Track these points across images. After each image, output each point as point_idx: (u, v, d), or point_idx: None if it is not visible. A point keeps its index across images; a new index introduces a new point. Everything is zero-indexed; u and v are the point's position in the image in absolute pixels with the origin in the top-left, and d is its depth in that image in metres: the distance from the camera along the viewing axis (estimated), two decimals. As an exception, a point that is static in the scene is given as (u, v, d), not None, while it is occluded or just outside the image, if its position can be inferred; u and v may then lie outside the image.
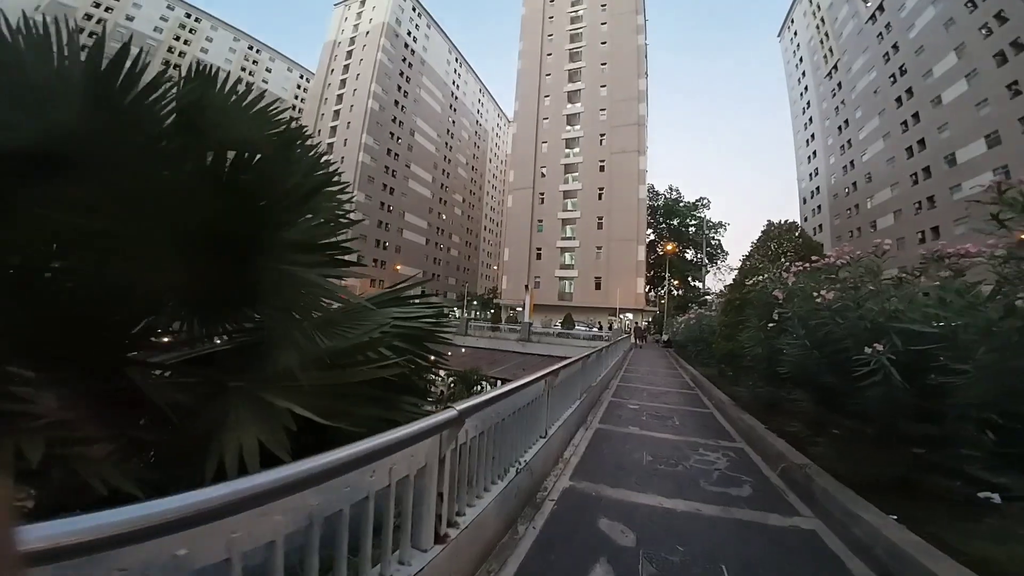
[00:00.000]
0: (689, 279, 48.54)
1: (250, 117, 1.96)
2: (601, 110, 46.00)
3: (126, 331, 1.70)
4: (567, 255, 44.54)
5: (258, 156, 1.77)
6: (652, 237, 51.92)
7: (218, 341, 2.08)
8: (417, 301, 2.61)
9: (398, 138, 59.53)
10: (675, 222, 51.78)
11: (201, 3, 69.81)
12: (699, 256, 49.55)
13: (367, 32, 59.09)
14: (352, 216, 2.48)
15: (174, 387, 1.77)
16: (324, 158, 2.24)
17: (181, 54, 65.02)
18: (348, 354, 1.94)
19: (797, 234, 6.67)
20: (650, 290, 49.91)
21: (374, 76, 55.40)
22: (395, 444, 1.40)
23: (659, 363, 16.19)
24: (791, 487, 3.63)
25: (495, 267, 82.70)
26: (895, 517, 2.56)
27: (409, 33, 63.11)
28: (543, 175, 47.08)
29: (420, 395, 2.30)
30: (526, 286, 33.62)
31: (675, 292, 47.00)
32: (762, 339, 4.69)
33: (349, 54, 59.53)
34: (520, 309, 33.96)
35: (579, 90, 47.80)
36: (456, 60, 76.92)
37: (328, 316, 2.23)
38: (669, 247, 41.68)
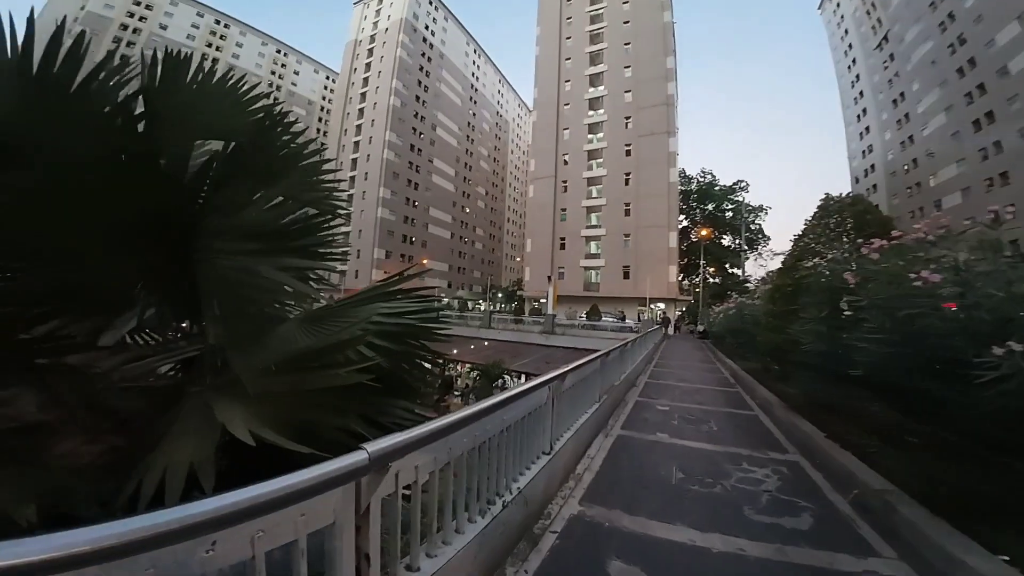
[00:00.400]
0: (727, 266, 46.06)
1: (218, 99, 1.87)
2: (626, 92, 44.03)
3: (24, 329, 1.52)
4: (593, 244, 43.25)
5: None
6: (685, 223, 49.66)
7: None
8: (405, 297, 2.30)
9: (420, 133, 59.75)
10: (710, 207, 49.17)
11: (225, 8, 72.35)
12: (737, 242, 46.93)
13: (386, 29, 59.34)
14: (344, 206, 2.37)
15: (136, 393, 1.60)
16: (311, 142, 2.15)
17: (215, 60, 67.29)
18: (316, 357, 1.68)
19: (862, 208, 5.58)
20: (683, 279, 47.84)
21: (394, 72, 55.66)
22: (262, 505, 0.91)
23: (694, 356, 15.15)
24: (863, 516, 2.90)
25: (519, 259, 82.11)
26: (1006, 558, 1.98)
27: (427, 27, 62.88)
28: (565, 162, 45.77)
29: (413, 397, 2.06)
30: (548, 277, 32.83)
31: (711, 280, 44.77)
32: (823, 332, 3.87)
33: (370, 52, 60.09)
34: (544, 301, 33.23)
35: (601, 73, 45.94)
36: (475, 52, 76.13)
37: (311, 314, 2.07)
38: (704, 232, 39.37)
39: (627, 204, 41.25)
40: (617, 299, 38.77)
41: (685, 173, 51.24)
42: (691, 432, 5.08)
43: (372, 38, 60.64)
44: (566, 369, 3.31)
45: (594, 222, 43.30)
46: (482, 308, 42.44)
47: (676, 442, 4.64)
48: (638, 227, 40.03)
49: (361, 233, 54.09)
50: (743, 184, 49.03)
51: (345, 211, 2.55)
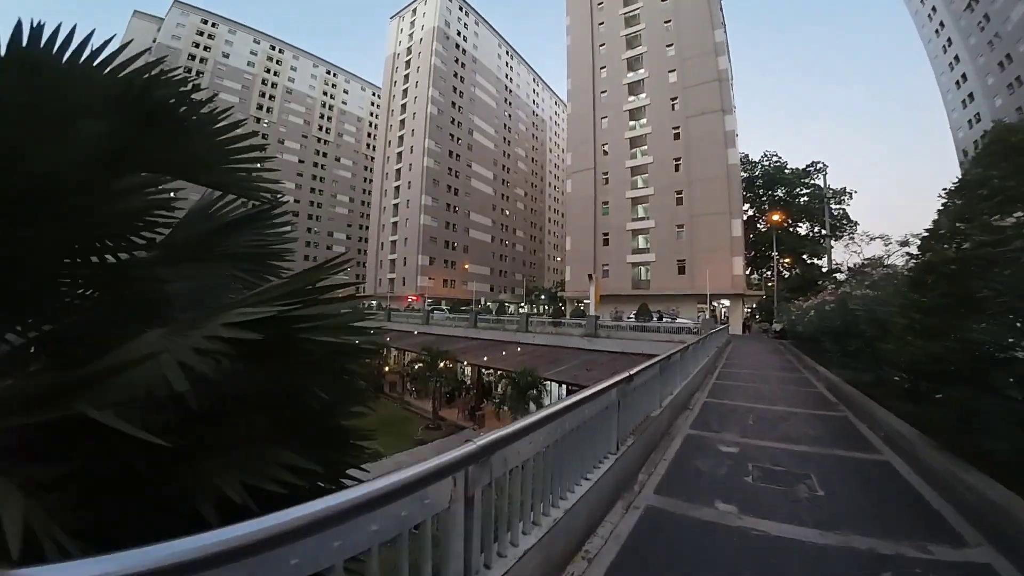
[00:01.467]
0: (804, 257, 40.66)
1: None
2: (669, 72, 40.45)
3: None
4: (640, 238, 39.97)
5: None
6: (750, 212, 44.86)
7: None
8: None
9: (458, 139, 59.96)
10: (780, 193, 44.00)
11: (276, 33, 78.13)
12: (817, 229, 41.44)
13: (420, 39, 60.43)
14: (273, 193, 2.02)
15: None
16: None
17: (274, 85, 73.77)
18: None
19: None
20: (751, 273, 42.99)
21: (430, 81, 56.35)
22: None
23: (770, 361, 12.37)
24: None
25: (560, 259, 79.76)
26: None
27: (459, 33, 63.19)
28: (605, 153, 42.95)
29: (324, 440, 1.51)
30: (589, 275, 30.18)
31: (785, 273, 39.69)
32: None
33: (407, 64, 61.53)
34: (587, 302, 30.81)
35: (640, 55, 42.69)
36: (507, 53, 75.46)
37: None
38: (775, 217, 34.39)
39: (678, 192, 37.60)
40: (671, 297, 35.28)
41: (748, 158, 46.44)
42: (779, 502, 3.09)
43: (408, 50, 62.10)
44: (553, 410, 1.88)
45: (641, 214, 40.05)
46: (522, 311, 40.72)
47: (751, 526, 2.70)
48: (693, 216, 36.25)
49: (407, 241, 55.17)
50: (820, 166, 43.23)
51: (273, 197, 2.02)
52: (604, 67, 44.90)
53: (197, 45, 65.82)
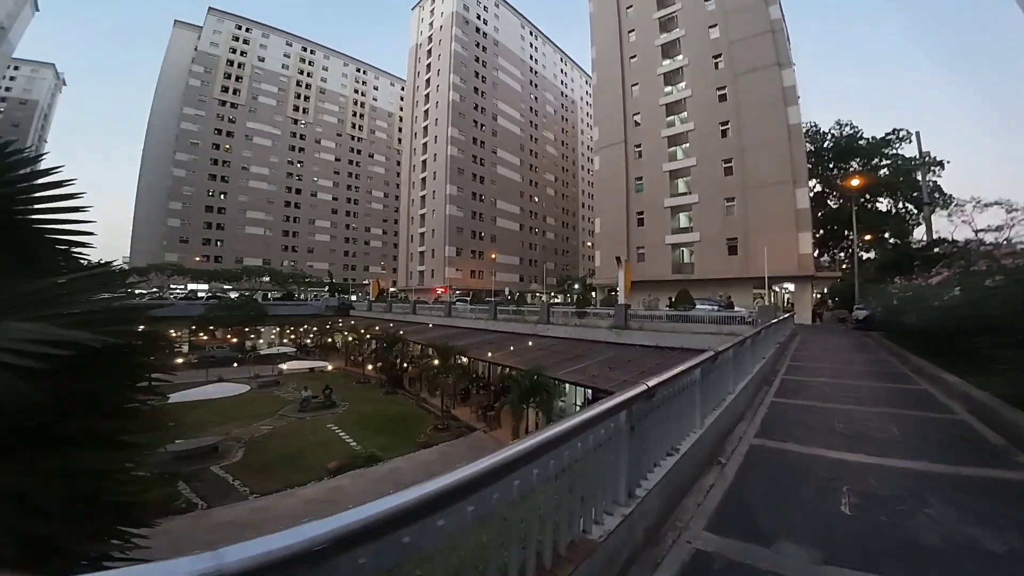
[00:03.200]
0: (885, 235, 34.82)
1: None
2: (710, 27, 35.48)
3: None
4: (682, 216, 35.71)
5: None
6: (818, 188, 39.20)
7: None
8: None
9: (482, 125, 57.79)
10: (854, 165, 38.11)
11: (304, 34, 79.63)
12: (902, 205, 35.38)
13: (440, 27, 58.62)
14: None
15: None
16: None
17: (308, 86, 75.58)
18: None
19: None
20: (820, 255, 37.55)
21: (451, 67, 54.53)
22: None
23: (858, 366, 8.98)
24: None
25: (592, 245, 75.76)
26: None
27: (479, 16, 60.58)
28: (636, 123, 38.76)
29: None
30: (618, 258, 26.75)
31: (864, 255, 34.26)
32: None
33: (429, 53, 60.09)
34: (618, 290, 27.38)
35: (674, 14, 37.86)
36: (531, 34, 71.73)
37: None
38: (855, 181, 28.53)
39: (727, 161, 32.90)
40: (720, 281, 31.00)
41: (816, 129, 40.54)
42: None
43: (429, 39, 60.56)
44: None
45: (682, 188, 35.70)
46: (554, 301, 37.90)
47: None
48: (746, 188, 31.56)
49: (434, 232, 54.18)
50: (903, 134, 36.61)
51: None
52: (632, 30, 40.54)
53: (234, 51, 68.40)
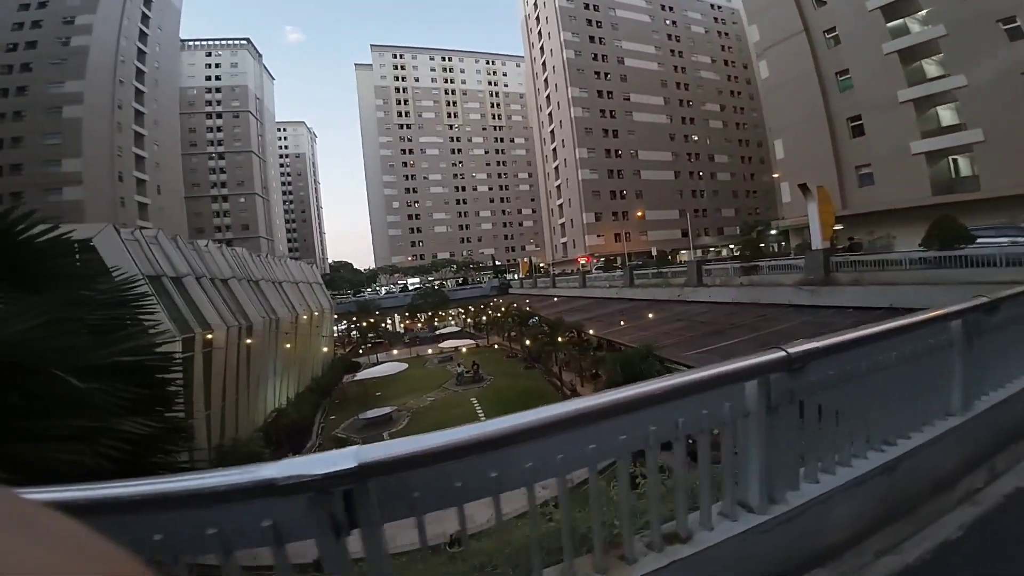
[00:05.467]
0: None
1: None
2: None
3: None
4: (940, 111, 23.75)
5: None
6: None
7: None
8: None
9: (606, 75, 52.23)
10: None
11: (428, 43, 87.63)
12: None
13: None
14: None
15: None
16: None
17: (453, 92, 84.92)
18: None
19: None
20: None
21: (559, 26, 50.89)
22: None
23: None
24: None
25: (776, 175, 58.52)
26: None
27: None
28: (818, 3, 27.36)
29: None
30: (803, 187, 19.66)
31: None
32: None
33: (537, 20, 57.62)
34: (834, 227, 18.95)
35: None
36: (654, -51, 58.86)
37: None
38: None
39: (1008, 21, 19.96)
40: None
41: None
42: None
43: (535, 5, 57.79)
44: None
45: (932, 71, 23.53)
46: (690, 258, 31.89)
47: None
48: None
49: (570, 202, 53.48)
50: None
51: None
52: None
53: (397, 78, 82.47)
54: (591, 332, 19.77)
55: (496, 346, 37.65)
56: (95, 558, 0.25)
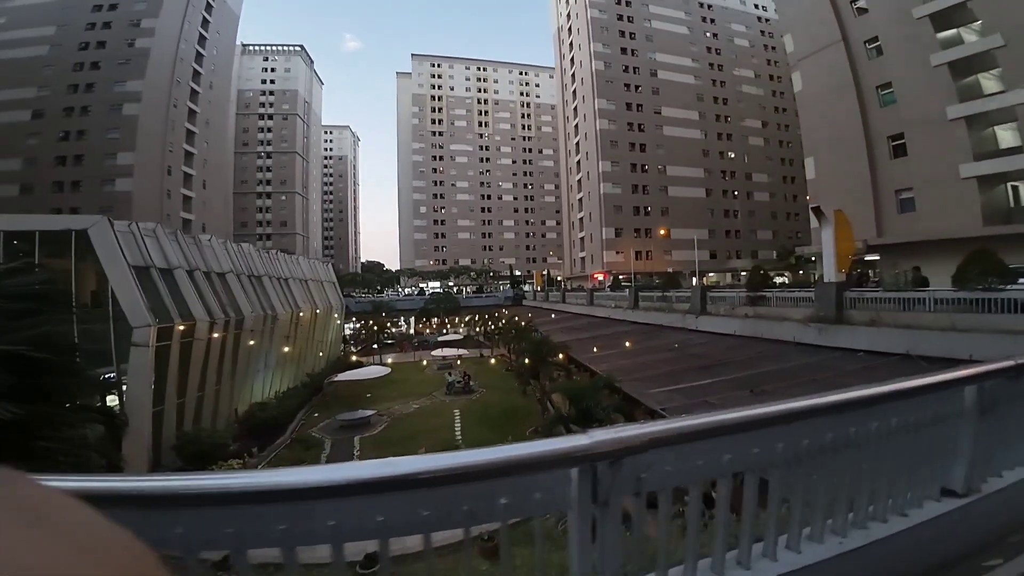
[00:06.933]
0: None
1: None
2: None
3: None
4: (998, 131, 20.85)
5: None
6: None
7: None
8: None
9: (637, 87, 50.91)
10: None
11: (466, 53, 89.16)
12: None
13: (576, 0, 54.68)
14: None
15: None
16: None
17: (485, 101, 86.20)
18: None
19: None
20: None
21: (590, 36, 50.15)
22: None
23: None
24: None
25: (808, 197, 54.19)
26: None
27: None
28: (859, 11, 25.19)
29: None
30: (815, 209, 17.55)
31: None
32: None
33: (570, 31, 57.30)
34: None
35: None
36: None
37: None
38: None
39: None
40: None
41: None
42: None
43: (568, 16, 57.54)
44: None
45: (989, 87, 20.78)
46: (699, 283, 29.62)
47: None
48: None
49: (591, 216, 52.25)
50: None
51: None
52: None
53: (433, 87, 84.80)
54: (570, 354, 18.74)
55: (500, 357, 36.89)
56: (109, 548, 0.25)
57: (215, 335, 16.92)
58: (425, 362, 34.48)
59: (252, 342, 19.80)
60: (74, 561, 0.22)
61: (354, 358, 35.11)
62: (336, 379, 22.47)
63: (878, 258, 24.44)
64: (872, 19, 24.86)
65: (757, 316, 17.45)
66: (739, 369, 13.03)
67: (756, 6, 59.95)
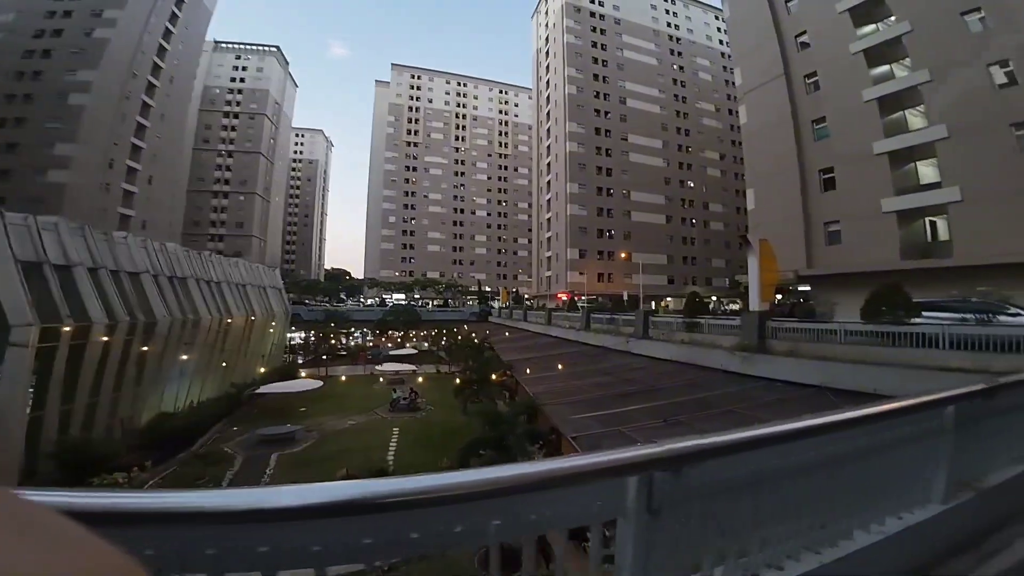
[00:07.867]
0: None
1: None
2: None
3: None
4: (920, 167, 22.28)
5: None
6: None
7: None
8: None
9: (606, 113, 52.73)
10: None
11: (450, 68, 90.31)
12: None
13: (553, 24, 56.85)
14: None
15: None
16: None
17: (463, 116, 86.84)
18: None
19: None
20: None
21: (565, 61, 51.97)
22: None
23: None
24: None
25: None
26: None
27: (592, 0, 55.58)
28: (803, 44, 27.03)
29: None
30: (743, 238, 17.71)
31: None
32: None
33: (547, 55, 59.20)
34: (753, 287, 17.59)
35: None
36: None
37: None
38: None
39: (1002, 65, 18.96)
40: (1003, 269, 16.85)
41: None
42: None
43: (547, 40, 59.60)
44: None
45: (915, 123, 22.52)
46: (641, 309, 29.93)
47: None
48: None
49: (558, 236, 52.75)
50: None
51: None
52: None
53: (412, 97, 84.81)
54: (512, 374, 18.21)
55: (451, 372, 35.73)
56: (96, 563, 0.24)
57: (116, 338, 15.28)
58: (381, 378, 32.92)
59: (164, 348, 18.07)
60: (56, 572, 0.21)
61: (302, 373, 33.07)
62: (260, 391, 20.79)
63: (809, 288, 25.49)
64: (813, 54, 26.45)
65: (692, 343, 17.44)
66: (666, 396, 12.83)
67: (721, 42, 64.09)
